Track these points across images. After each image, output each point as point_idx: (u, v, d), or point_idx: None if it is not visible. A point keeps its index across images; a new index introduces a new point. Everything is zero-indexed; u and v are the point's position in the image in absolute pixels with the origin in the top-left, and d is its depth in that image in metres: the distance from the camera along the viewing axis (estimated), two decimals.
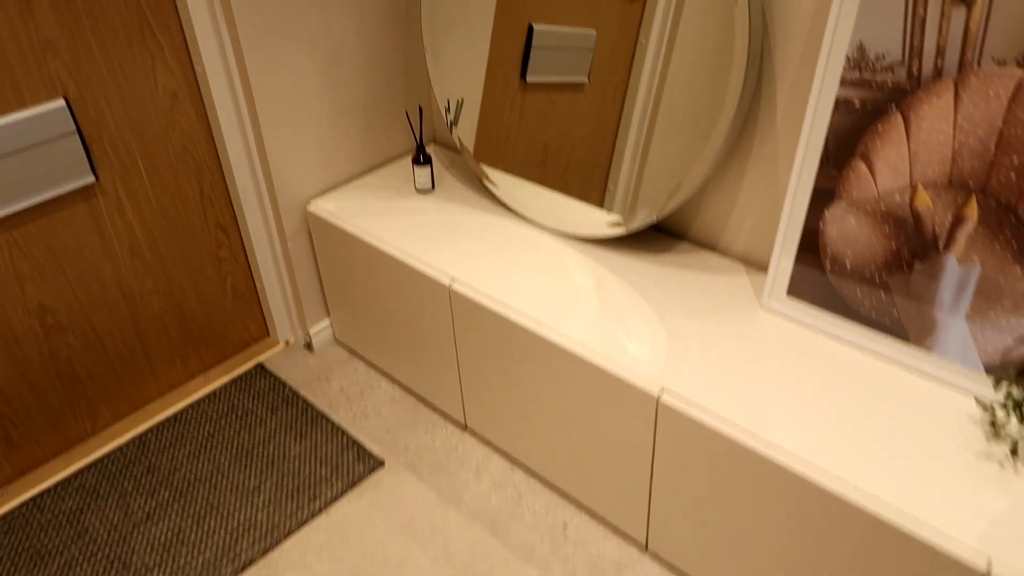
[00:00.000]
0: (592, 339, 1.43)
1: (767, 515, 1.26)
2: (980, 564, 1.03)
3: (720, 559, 1.40)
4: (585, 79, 1.64)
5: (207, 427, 1.89)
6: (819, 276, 1.41)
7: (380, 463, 1.77)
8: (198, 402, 1.95)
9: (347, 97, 1.90)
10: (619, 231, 1.64)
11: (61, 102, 1.54)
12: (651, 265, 1.63)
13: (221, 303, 1.99)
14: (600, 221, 1.67)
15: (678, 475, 1.37)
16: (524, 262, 1.65)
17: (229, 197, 1.89)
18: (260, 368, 2.05)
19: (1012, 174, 1.16)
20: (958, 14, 1.13)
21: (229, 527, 1.64)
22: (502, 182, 1.83)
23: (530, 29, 1.70)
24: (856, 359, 1.37)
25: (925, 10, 1.15)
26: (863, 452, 1.19)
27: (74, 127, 1.57)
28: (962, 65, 1.15)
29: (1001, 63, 1.11)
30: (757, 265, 1.61)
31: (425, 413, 1.91)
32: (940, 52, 1.16)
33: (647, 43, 1.50)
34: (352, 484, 1.72)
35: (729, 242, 1.64)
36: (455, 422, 1.88)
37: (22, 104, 1.50)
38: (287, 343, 2.13)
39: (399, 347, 1.89)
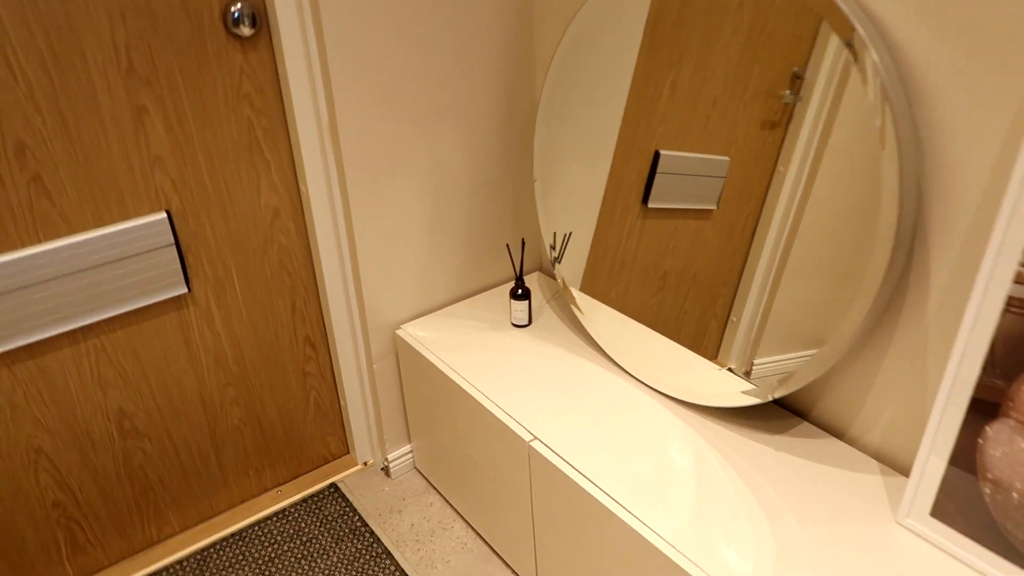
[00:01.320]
0: (682, 538, 1.22)
1: None
2: None
3: None
4: (714, 206, 1.48)
5: (270, 550, 1.79)
6: (975, 502, 1.14)
7: None
8: (266, 519, 1.87)
9: (448, 227, 1.82)
10: (751, 400, 1.43)
11: (163, 215, 1.54)
12: (765, 447, 1.40)
13: (303, 418, 1.92)
14: (731, 390, 1.47)
15: None
16: (617, 424, 1.47)
17: (321, 314, 1.83)
18: (334, 488, 1.95)
19: None
20: None
21: None
22: (605, 329, 1.67)
23: (656, 155, 1.57)
24: None
25: None
26: None
27: (172, 239, 1.56)
28: None
29: None
30: (893, 465, 1.35)
31: (497, 567, 1.73)
32: None
33: (785, 171, 1.33)
34: None
35: (860, 431, 1.39)
36: None
37: (125, 216, 1.50)
38: (365, 464, 2.02)
39: (476, 490, 1.73)
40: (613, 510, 1.29)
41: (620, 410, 1.51)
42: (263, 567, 1.75)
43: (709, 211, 1.50)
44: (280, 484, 1.96)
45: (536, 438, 1.45)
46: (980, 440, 1.12)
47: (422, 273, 1.82)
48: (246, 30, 1.50)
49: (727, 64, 1.37)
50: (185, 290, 1.62)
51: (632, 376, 1.61)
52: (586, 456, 1.40)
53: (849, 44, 1.15)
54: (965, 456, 1.14)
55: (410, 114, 1.65)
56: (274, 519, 1.87)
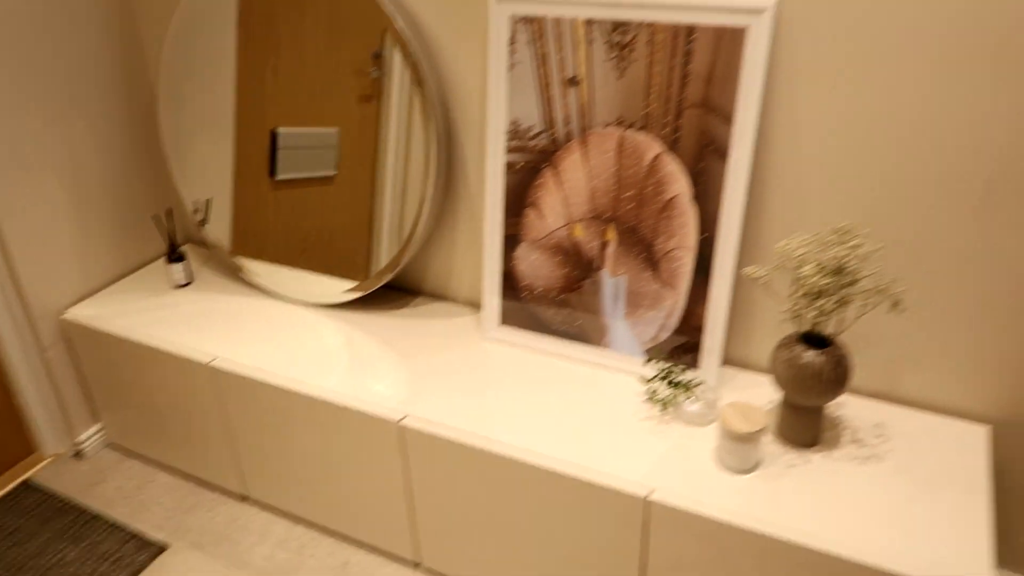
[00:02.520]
0: (343, 386, 1.65)
1: (505, 501, 1.52)
2: (642, 494, 1.35)
3: (479, 554, 1.63)
4: (334, 171, 1.87)
5: None
6: (521, 305, 1.74)
7: (163, 547, 1.83)
8: None
9: (95, 210, 2.02)
10: (356, 294, 1.89)
11: None
12: (393, 319, 1.88)
13: None
14: (339, 288, 1.91)
15: (430, 488, 1.60)
16: (280, 333, 1.85)
17: None
18: (27, 485, 2.03)
19: (630, 204, 1.56)
20: (572, 94, 1.53)
21: None
22: (260, 270, 2.02)
23: (273, 133, 1.92)
24: (555, 364, 1.69)
25: (550, 92, 1.55)
26: (562, 433, 1.49)
27: None
28: (583, 128, 1.55)
29: (606, 125, 1.52)
30: (478, 305, 1.93)
31: (205, 494, 1.99)
32: (567, 121, 1.56)
33: (387, 133, 1.76)
34: (135, 573, 1.76)
35: (456, 291, 1.94)
36: (234, 495, 1.97)
37: None
38: (55, 456, 2.12)
39: (172, 436, 1.97)
40: (289, 386, 1.67)
41: (281, 323, 1.89)
42: None
43: (331, 176, 1.90)
44: None
45: (216, 357, 1.76)
46: (513, 263, 1.71)
47: (79, 257, 1.99)
48: None
49: (317, 49, 1.77)
50: None
51: (285, 298, 1.99)
52: (264, 361, 1.75)
53: (392, 27, 1.66)
54: (510, 279, 1.73)
55: (39, 115, 1.83)
56: None
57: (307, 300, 1.96)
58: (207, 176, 2.02)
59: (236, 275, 2.11)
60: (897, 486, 1.35)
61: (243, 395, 1.75)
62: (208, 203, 2.03)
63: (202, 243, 2.30)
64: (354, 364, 1.72)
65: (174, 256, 2.02)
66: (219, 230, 2.05)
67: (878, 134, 1.35)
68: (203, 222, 2.05)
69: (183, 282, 2.05)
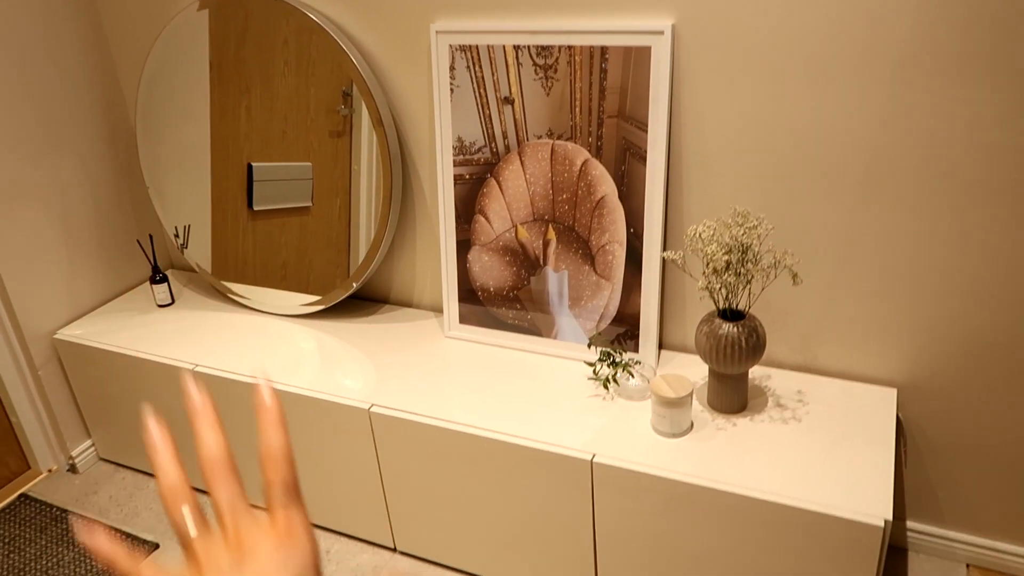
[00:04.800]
0: (316, 383, 1.81)
1: (468, 476, 1.67)
2: (587, 457, 1.52)
3: (448, 531, 1.78)
4: (310, 203, 2.03)
5: None
6: (477, 304, 1.91)
7: (155, 546, 1.96)
8: None
9: (80, 236, 2.18)
10: (325, 304, 2.06)
11: None
12: (361, 324, 2.05)
13: None
14: (310, 299, 2.08)
15: (400, 472, 1.75)
16: (257, 342, 2.01)
17: None
18: (24, 498, 2.16)
19: (566, 206, 1.74)
20: (507, 111, 1.73)
21: None
22: (240, 290, 2.19)
23: (249, 167, 2.09)
24: (509, 356, 1.86)
25: (488, 110, 1.74)
26: (516, 412, 1.66)
27: None
28: (519, 141, 1.74)
29: (539, 136, 1.72)
30: (439, 309, 2.10)
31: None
32: (504, 135, 1.75)
33: (359, 168, 1.93)
34: None
35: (420, 297, 2.12)
36: None
37: None
38: (50, 471, 2.25)
39: None
40: (263, 386, 1.82)
41: (259, 334, 2.05)
42: None
43: (307, 208, 2.07)
44: None
45: (198, 364, 1.92)
46: (467, 265, 1.89)
47: (68, 282, 2.15)
48: None
49: (287, 89, 1.95)
50: None
51: (266, 312, 2.15)
52: (243, 365, 1.91)
53: (352, 67, 1.85)
54: (466, 280, 1.90)
55: (25, 151, 2.00)
56: None
57: (282, 312, 2.12)
58: (186, 205, 2.19)
59: (217, 294, 2.27)
60: (813, 442, 1.53)
61: (225, 397, 1.90)
62: (187, 229, 2.20)
63: (184, 267, 2.46)
64: (325, 364, 1.88)
65: (157, 278, 2.18)
66: (199, 255, 2.22)
67: (769, 130, 1.55)
68: (183, 247, 2.22)
69: (166, 302, 2.21)
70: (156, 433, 0.42)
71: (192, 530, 0.40)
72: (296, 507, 0.42)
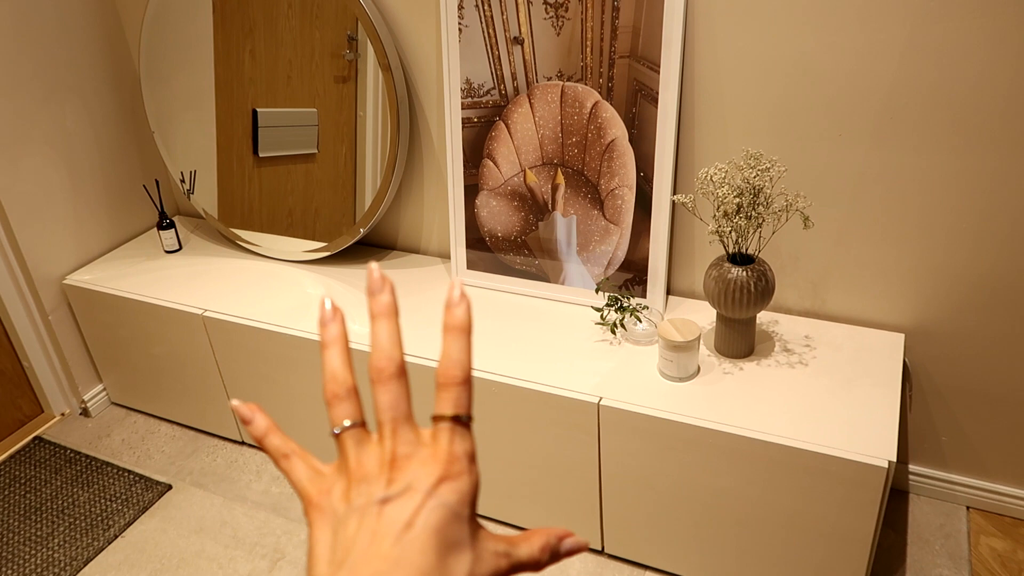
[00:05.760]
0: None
1: (475, 422, 1.69)
2: (594, 400, 1.53)
3: None
4: (315, 150, 2.01)
5: None
6: (485, 251, 1.91)
7: (168, 487, 1.99)
8: None
9: (87, 181, 2.17)
10: (332, 251, 2.06)
11: None
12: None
13: None
14: (317, 245, 2.07)
15: None
16: (265, 287, 2.01)
17: None
18: (38, 440, 2.19)
19: (575, 149, 1.73)
20: (517, 51, 1.70)
21: (26, 571, 1.78)
22: (247, 236, 2.18)
23: (254, 113, 2.06)
24: (517, 301, 1.87)
25: (497, 51, 1.71)
26: (523, 357, 1.67)
27: None
28: (528, 83, 1.71)
29: (548, 79, 1.69)
30: (449, 256, 2.09)
31: (205, 440, 2.16)
32: (513, 77, 1.72)
33: (364, 114, 1.91)
34: (143, 509, 1.93)
35: (427, 244, 2.11)
36: (232, 441, 2.14)
37: None
38: (63, 415, 2.28)
39: (170, 390, 2.14)
40: (279, 332, 1.83)
41: (266, 279, 2.05)
42: None
43: (312, 154, 2.05)
44: None
45: (207, 309, 1.93)
46: (475, 210, 1.88)
47: (75, 228, 2.15)
48: None
49: (292, 32, 1.91)
50: None
51: (274, 258, 2.15)
52: (251, 311, 1.92)
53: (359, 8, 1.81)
54: (474, 226, 1.89)
55: (30, 97, 1.98)
56: None
57: (290, 258, 2.12)
58: (191, 150, 2.18)
59: (224, 240, 2.27)
60: (820, 386, 1.54)
61: (234, 342, 1.92)
62: (193, 174, 2.19)
63: (191, 213, 2.46)
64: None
65: (164, 223, 2.17)
66: (206, 201, 2.21)
67: (783, 71, 1.52)
68: (190, 192, 2.21)
69: (174, 248, 2.20)
70: (332, 324, 0.39)
71: (346, 427, 0.38)
72: (463, 432, 0.38)
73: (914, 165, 1.51)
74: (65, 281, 2.12)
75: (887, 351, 1.62)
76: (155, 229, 2.36)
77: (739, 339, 1.62)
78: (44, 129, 2.04)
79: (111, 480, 2.03)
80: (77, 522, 1.91)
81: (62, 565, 1.79)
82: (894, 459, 1.34)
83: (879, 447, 1.37)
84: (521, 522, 1.79)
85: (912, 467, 1.82)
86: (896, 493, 1.84)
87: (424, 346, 1.71)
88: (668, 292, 1.85)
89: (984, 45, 1.37)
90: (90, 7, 2.11)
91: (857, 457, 1.35)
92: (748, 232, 1.51)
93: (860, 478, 1.36)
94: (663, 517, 1.60)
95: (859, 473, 1.36)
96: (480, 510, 1.83)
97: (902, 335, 1.67)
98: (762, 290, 1.53)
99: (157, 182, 2.18)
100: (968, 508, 1.79)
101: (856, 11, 1.42)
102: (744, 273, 1.52)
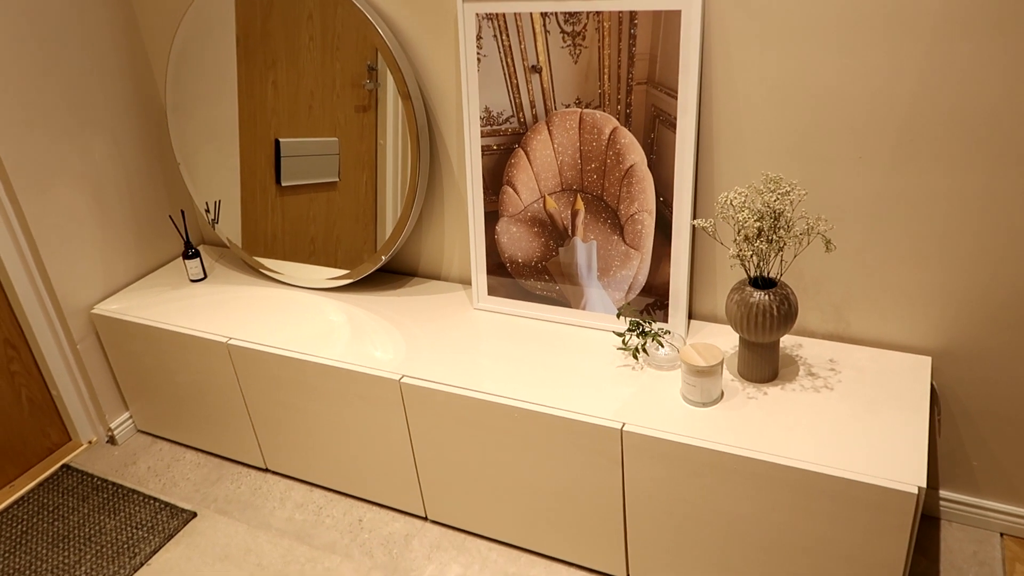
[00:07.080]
0: (347, 355, 1.83)
1: (498, 446, 1.69)
2: (617, 426, 1.52)
3: (479, 502, 1.80)
4: (337, 178, 2.04)
5: (19, 527, 2.02)
6: (506, 276, 1.91)
7: (193, 515, 2.00)
8: (6, 510, 2.08)
9: (114, 212, 2.21)
10: (354, 278, 2.07)
11: None
12: (390, 297, 2.06)
13: (19, 416, 2.16)
14: (339, 272, 2.09)
15: (430, 441, 1.77)
16: (289, 315, 2.03)
17: (14, 314, 2.10)
18: (66, 468, 2.21)
19: (594, 175, 1.73)
20: (535, 80, 1.71)
21: None
22: (271, 264, 2.21)
23: (277, 143, 2.09)
24: (538, 327, 1.87)
25: (516, 80, 1.73)
26: (546, 382, 1.66)
27: None
28: (547, 110, 1.73)
29: (567, 105, 1.70)
30: (468, 281, 2.10)
31: (229, 468, 2.17)
32: (532, 105, 1.74)
33: (385, 143, 1.93)
34: (168, 537, 1.94)
35: (448, 270, 2.12)
36: (256, 468, 2.15)
37: None
38: (90, 443, 2.31)
39: (195, 418, 2.16)
40: (299, 358, 1.85)
41: (289, 307, 2.07)
42: (17, 540, 1.98)
43: (334, 183, 2.08)
44: (11, 481, 2.16)
45: (231, 338, 1.95)
46: (495, 237, 1.89)
47: (103, 258, 2.19)
48: None
49: (313, 64, 1.95)
50: None
51: (296, 286, 2.17)
52: (276, 338, 1.93)
53: (377, 40, 1.84)
54: (494, 252, 1.90)
55: (60, 130, 2.03)
56: (15, 507, 2.09)
57: (312, 285, 2.15)
58: (216, 181, 2.21)
59: (248, 268, 2.30)
60: (846, 410, 1.52)
61: (259, 370, 1.93)
62: (218, 204, 2.22)
63: (215, 242, 2.49)
64: (356, 336, 1.90)
65: (190, 253, 2.21)
66: (230, 230, 2.24)
67: (802, 94, 1.52)
68: (214, 222, 2.25)
69: (199, 276, 2.24)
70: None
71: None
72: None
73: (935, 185, 1.50)
74: (93, 311, 2.16)
75: (913, 374, 1.60)
76: (181, 258, 2.40)
77: (763, 363, 1.61)
78: (73, 161, 2.08)
79: (137, 508, 2.04)
80: (104, 550, 1.92)
81: None
82: (924, 484, 1.32)
83: (908, 472, 1.35)
84: (545, 549, 1.78)
85: (943, 493, 1.79)
86: (927, 519, 1.81)
87: (445, 373, 1.72)
88: (690, 316, 1.84)
89: (1004, 64, 1.36)
90: (119, 42, 2.16)
91: (886, 483, 1.33)
92: (769, 256, 1.51)
93: (889, 504, 1.34)
94: (688, 543, 1.58)
95: (888, 499, 1.33)
96: (504, 537, 1.82)
97: (928, 358, 1.65)
98: (785, 314, 1.52)
99: (183, 212, 2.22)
100: (1002, 535, 1.75)
101: (873, 33, 1.42)
102: (766, 297, 1.51)
